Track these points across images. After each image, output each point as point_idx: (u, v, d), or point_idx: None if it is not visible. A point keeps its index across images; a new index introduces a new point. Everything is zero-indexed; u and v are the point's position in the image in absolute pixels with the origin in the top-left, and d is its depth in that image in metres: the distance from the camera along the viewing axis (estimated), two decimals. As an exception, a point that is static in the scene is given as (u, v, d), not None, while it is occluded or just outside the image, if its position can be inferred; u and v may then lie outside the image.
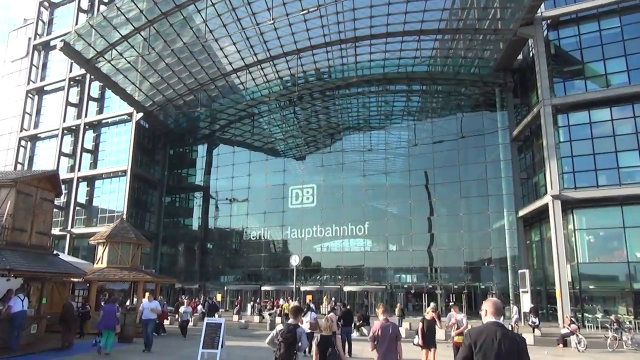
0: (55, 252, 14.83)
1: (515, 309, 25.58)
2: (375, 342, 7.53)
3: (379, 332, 7.51)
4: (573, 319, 20.14)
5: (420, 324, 11.77)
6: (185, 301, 21.00)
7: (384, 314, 7.89)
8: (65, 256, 20.67)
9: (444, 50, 38.80)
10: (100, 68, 38.16)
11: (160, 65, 39.24)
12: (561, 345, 18.85)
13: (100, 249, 19.83)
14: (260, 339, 18.97)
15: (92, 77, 45.34)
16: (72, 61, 42.48)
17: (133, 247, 19.93)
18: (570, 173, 29.13)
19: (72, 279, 18.09)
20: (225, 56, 40.07)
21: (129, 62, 37.71)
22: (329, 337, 7.41)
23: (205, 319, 13.00)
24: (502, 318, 4.44)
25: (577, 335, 18.30)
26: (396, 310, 28.92)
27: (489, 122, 38.50)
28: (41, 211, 14.14)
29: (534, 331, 22.06)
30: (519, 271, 32.18)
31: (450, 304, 18.41)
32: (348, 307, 18.53)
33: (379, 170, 42.73)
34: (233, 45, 38.37)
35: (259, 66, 41.68)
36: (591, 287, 28.59)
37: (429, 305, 14.46)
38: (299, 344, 6.76)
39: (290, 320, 7.04)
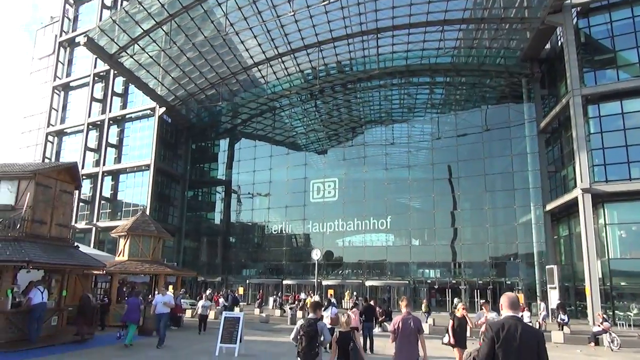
0: (75, 244, 14.85)
1: (542, 305, 24.79)
2: (395, 335, 7.42)
3: (400, 325, 7.41)
4: (605, 317, 19.27)
5: (451, 322, 10.97)
6: (204, 295, 20.47)
7: (407, 307, 7.78)
8: (87, 249, 20.82)
9: (469, 40, 37.89)
10: (123, 63, 38.47)
11: (181, 60, 39.35)
12: (593, 343, 17.99)
13: (121, 241, 19.87)
14: (280, 333, 18.80)
15: (116, 72, 45.87)
16: (96, 56, 43.05)
17: (154, 240, 19.90)
18: (601, 165, 28.06)
19: (93, 272, 18.17)
20: (246, 49, 39.97)
21: (151, 57, 37.89)
22: (347, 332, 7.14)
23: (224, 313, 12.77)
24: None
25: (610, 334, 17.45)
26: (422, 306, 28.32)
27: (515, 114, 37.49)
28: (61, 203, 14.12)
29: (562, 328, 21.32)
30: (547, 267, 31.27)
31: (481, 301, 17.08)
32: (371, 302, 18.11)
33: (402, 163, 42.14)
34: (254, 38, 38.22)
35: (280, 59, 41.49)
36: (622, 283, 27.57)
37: (455, 302, 13.74)
38: (322, 338, 6.70)
39: (311, 315, 7.02)
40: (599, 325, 18.30)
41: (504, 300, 4.32)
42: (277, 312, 31.31)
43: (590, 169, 27.75)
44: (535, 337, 4.03)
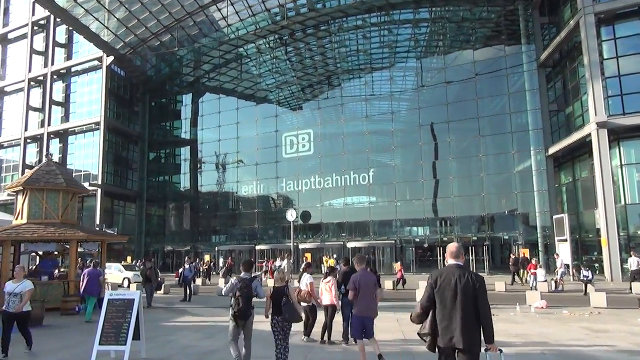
0: None
1: (559, 261, 20.96)
2: (356, 292, 7.31)
3: (359, 282, 7.33)
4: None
5: None
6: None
7: (361, 265, 7.77)
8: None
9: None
10: (55, 0, 32.68)
11: (125, -4, 33.68)
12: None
13: (19, 199, 15.05)
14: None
15: (58, 19, 40.06)
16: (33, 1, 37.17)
17: (64, 196, 15.01)
18: (617, 96, 24.01)
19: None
20: (201, -18, 34.35)
21: (86, -9, 32.19)
22: (281, 287, 6.94)
23: (107, 294, 7.99)
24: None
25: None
26: None
27: (511, 47, 33.00)
28: None
29: (586, 287, 17.43)
30: (555, 217, 27.43)
31: None
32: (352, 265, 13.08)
33: (384, 110, 37.55)
34: (208, -34, 32.61)
35: (241, -6, 35.91)
36: (640, 232, 23.94)
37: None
38: (256, 294, 6.87)
39: (243, 274, 7.01)
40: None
41: (447, 250, 4.45)
42: (246, 282, 27.03)
43: (605, 100, 23.66)
44: (471, 283, 4.08)
